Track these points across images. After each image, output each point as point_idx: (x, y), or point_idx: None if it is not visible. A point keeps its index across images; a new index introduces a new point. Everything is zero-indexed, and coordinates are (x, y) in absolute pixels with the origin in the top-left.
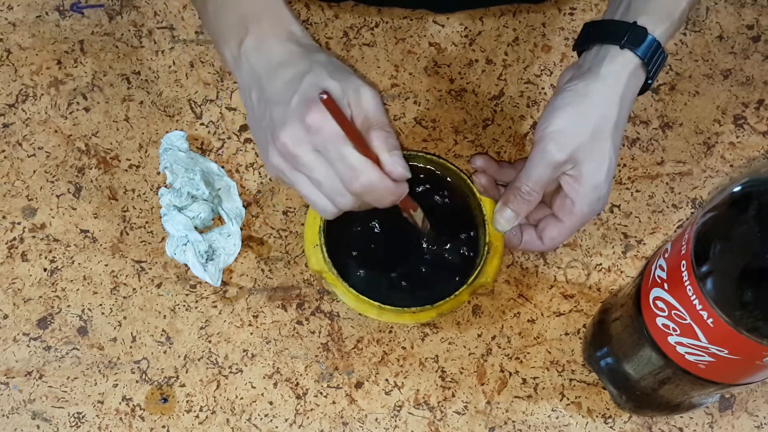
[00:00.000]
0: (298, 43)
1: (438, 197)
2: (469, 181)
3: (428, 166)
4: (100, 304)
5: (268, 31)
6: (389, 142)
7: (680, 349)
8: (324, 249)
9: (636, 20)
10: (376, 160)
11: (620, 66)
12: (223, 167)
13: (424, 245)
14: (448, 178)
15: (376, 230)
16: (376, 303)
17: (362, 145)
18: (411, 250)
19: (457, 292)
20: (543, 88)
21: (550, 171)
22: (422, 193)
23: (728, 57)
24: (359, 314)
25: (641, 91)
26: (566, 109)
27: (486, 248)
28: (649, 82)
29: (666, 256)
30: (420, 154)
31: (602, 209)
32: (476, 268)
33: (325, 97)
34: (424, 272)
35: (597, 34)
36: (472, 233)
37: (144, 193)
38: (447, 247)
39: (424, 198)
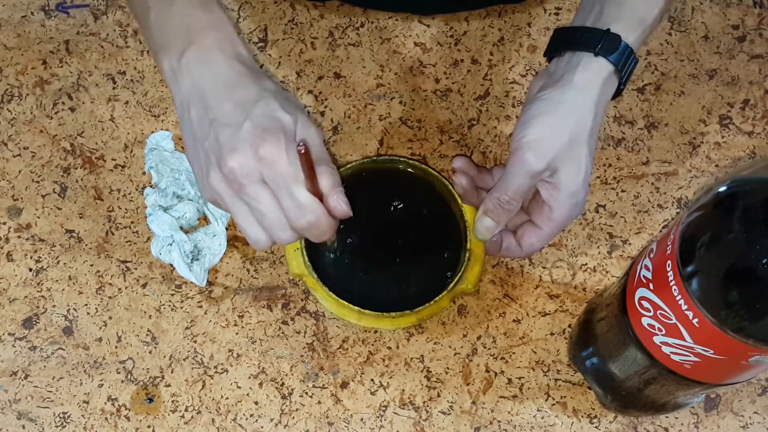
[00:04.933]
0: (245, 65)
1: (421, 202)
2: (451, 186)
3: (410, 170)
4: (86, 304)
5: (213, 44)
6: (334, 179)
7: (666, 349)
8: (304, 252)
9: (609, 27)
10: (320, 197)
11: (594, 73)
12: None
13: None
14: (432, 184)
15: (358, 233)
16: (356, 308)
17: (313, 184)
18: (393, 254)
19: (436, 298)
20: (528, 88)
21: (529, 180)
22: (406, 199)
23: (714, 57)
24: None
25: (613, 96)
26: (542, 117)
27: (467, 255)
28: (621, 87)
29: (651, 256)
30: (403, 159)
31: (579, 214)
32: (457, 275)
33: (302, 150)
34: (405, 277)
35: (569, 41)
36: (453, 239)
37: (129, 193)
38: (429, 253)
39: (407, 203)
